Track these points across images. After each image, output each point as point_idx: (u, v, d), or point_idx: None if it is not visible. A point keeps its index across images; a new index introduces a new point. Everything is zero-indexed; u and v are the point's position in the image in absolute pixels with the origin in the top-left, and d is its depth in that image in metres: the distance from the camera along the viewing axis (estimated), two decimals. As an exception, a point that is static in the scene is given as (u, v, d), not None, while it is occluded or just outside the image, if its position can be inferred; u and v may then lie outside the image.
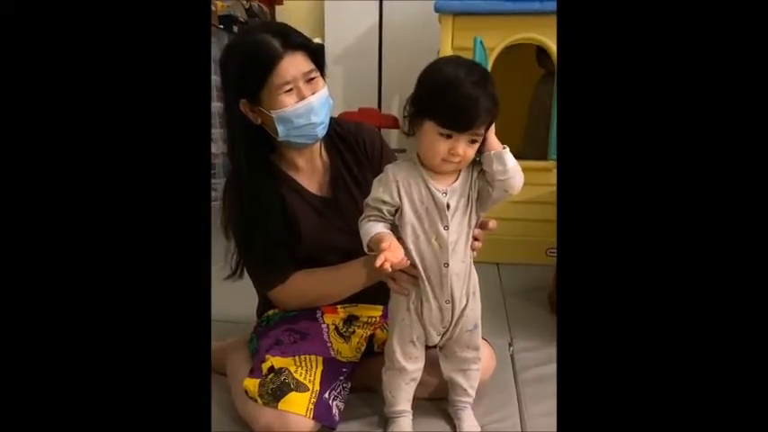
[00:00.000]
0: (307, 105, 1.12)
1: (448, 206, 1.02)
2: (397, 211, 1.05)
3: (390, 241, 0.99)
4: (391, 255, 0.95)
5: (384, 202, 1.04)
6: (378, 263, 0.95)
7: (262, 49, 1.09)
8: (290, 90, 1.11)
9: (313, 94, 1.13)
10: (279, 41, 1.09)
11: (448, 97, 0.95)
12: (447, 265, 1.03)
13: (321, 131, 1.18)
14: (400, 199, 1.03)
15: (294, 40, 1.11)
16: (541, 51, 2.45)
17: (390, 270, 0.96)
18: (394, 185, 1.03)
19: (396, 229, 1.05)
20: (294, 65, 1.10)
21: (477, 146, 1.00)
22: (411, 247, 1.03)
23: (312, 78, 1.14)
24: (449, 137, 0.97)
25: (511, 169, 0.99)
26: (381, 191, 1.04)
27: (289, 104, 1.11)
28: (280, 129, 1.14)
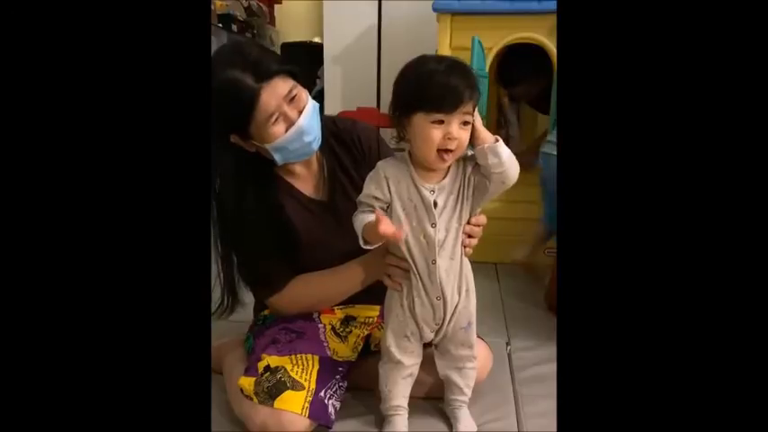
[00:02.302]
0: (297, 130, 1.10)
1: (435, 204, 1.03)
2: (388, 206, 1.06)
3: (381, 213, 1.00)
4: (385, 226, 0.97)
5: (376, 199, 1.05)
6: (380, 228, 0.96)
7: (238, 90, 1.05)
8: (277, 119, 1.09)
9: (300, 113, 1.11)
10: (251, 76, 1.05)
11: (430, 83, 0.97)
12: (434, 262, 1.04)
13: (316, 144, 1.16)
14: (390, 195, 1.04)
15: (266, 69, 1.07)
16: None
17: (393, 236, 0.97)
18: (384, 182, 1.04)
19: None
20: (273, 94, 1.07)
21: (470, 129, 1.00)
22: (401, 242, 1.04)
23: (294, 96, 1.10)
24: (440, 122, 0.97)
25: (506, 161, 1.00)
26: (373, 187, 1.05)
27: (279, 134, 1.10)
28: (277, 157, 1.14)
